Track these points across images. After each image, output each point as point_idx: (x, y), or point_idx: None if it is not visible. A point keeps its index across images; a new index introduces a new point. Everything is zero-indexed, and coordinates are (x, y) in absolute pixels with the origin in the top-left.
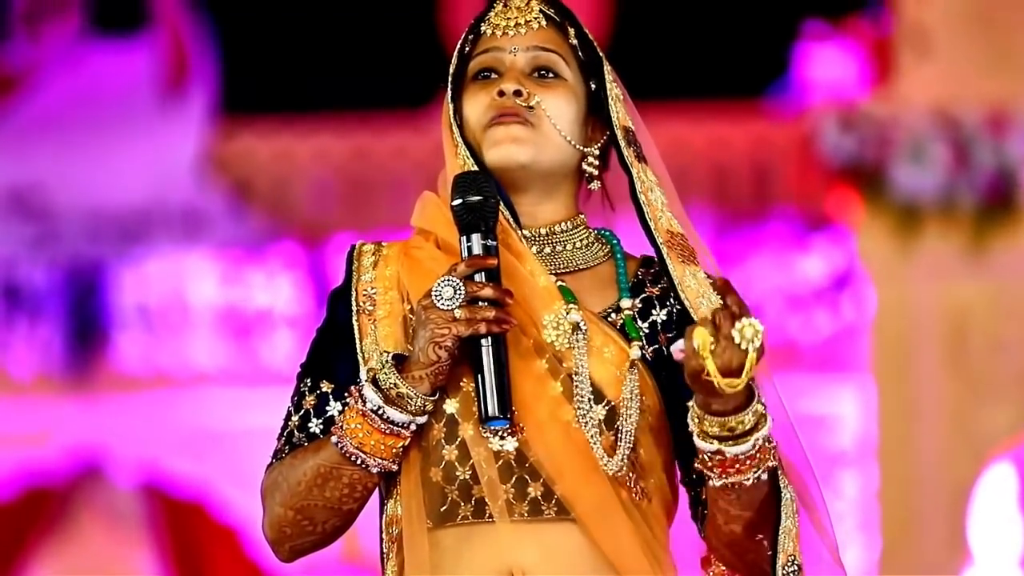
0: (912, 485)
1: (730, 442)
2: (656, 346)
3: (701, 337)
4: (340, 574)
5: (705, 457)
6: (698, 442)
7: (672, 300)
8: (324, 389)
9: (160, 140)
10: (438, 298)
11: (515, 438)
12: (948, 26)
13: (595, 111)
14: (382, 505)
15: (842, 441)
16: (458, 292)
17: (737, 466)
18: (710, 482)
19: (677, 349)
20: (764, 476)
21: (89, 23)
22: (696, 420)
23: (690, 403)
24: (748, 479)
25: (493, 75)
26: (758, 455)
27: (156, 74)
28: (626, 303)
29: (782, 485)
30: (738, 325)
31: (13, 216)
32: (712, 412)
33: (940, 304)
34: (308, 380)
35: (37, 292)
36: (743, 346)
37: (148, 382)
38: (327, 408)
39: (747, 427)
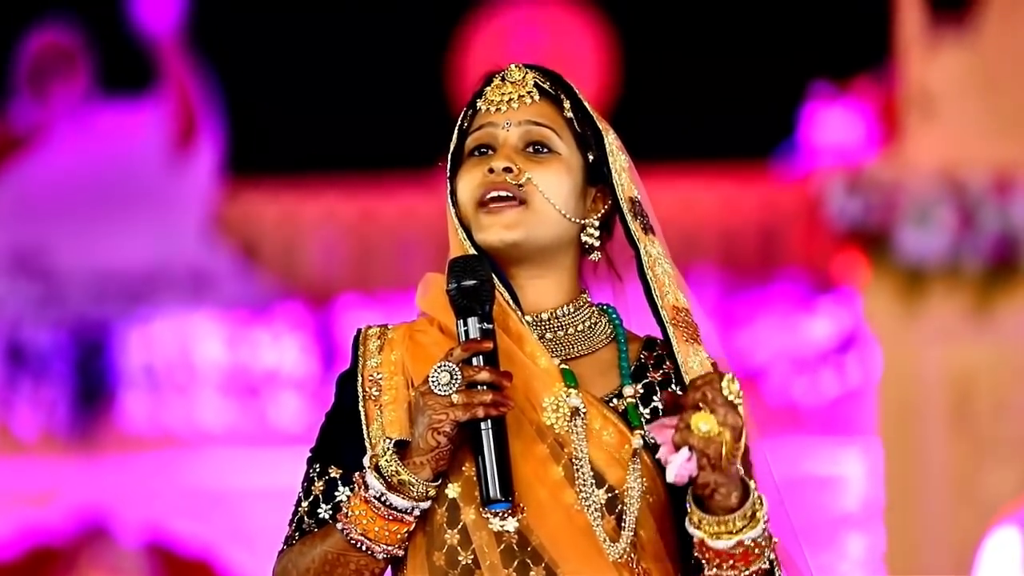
0: (918, 547)
1: (713, 537)
2: None
3: (707, 420)
4: None
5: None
6: (689, 528)
7: (673, 385)
8: (332, 474)
9: (167, 200)
10: (435, 384)
11: (516, 518)
12: (954, 89)
13: (594, 182)
14: None
15: (848, 503)
16: (455, 377)
17: (719, 561)
18: (705, 571)
19: (676, 469)
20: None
21: (96, 83)
22: (688, 511)
23: (687, 498)
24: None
25: (488, 151)
26: (745, 553)
27: (163, 134)
28: (628, 390)
29: None
30: (724, 384)
31: (19, 276)
32: (712, 512)
33: (946, 367)
34: (317, 465)
35: (42, 352)
36: (736, 401)
37: (154, 442)
38: (336, 493)
39: (734, 528)
